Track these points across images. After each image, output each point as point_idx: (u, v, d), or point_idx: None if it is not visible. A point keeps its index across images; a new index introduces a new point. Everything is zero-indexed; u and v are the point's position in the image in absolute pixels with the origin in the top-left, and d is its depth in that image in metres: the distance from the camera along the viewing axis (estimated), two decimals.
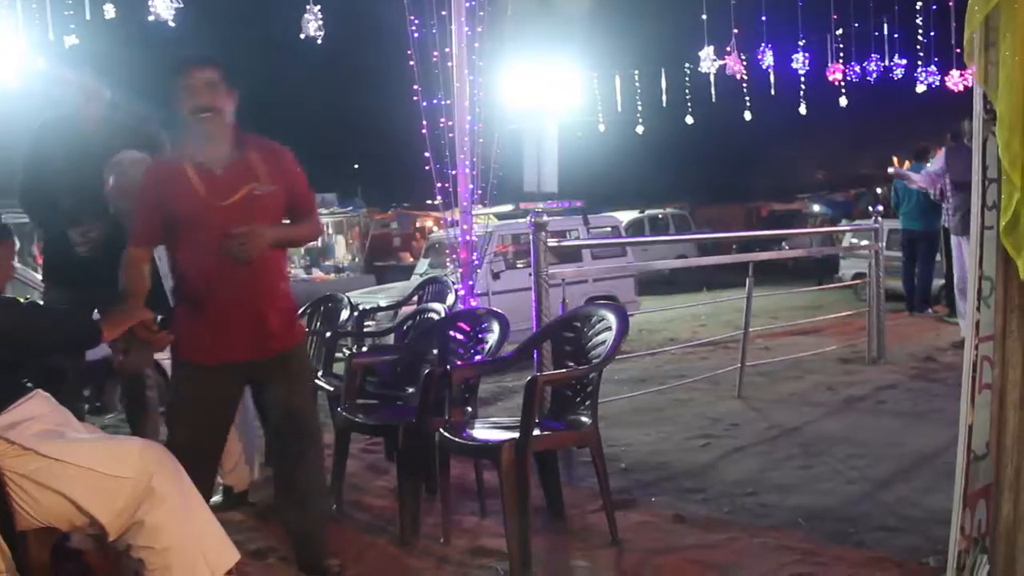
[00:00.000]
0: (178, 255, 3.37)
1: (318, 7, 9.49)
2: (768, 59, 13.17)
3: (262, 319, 3.35)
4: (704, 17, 11.89)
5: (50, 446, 2.76)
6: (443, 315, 5.09)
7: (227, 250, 3.17)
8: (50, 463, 2.72)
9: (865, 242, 8.17)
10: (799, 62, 13.59)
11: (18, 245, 21.11)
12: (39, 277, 10.61)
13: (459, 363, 4.34)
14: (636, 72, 16.48)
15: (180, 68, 3.23)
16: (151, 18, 9.04)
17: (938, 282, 10.51)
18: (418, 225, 27.08)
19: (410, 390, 4.69)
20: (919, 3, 13.55)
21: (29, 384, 3.00)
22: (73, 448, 2.79)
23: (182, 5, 9.05)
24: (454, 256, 7.25)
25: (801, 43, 13.67)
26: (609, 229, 13.57)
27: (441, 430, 3.81)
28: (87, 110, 4.30)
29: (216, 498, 4.15)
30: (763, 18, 13.01)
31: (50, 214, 4.27)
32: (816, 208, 28.89)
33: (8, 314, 2.85)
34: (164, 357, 3.77)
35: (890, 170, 11.10)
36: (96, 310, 3.34)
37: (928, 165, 9.44)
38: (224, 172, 3.25)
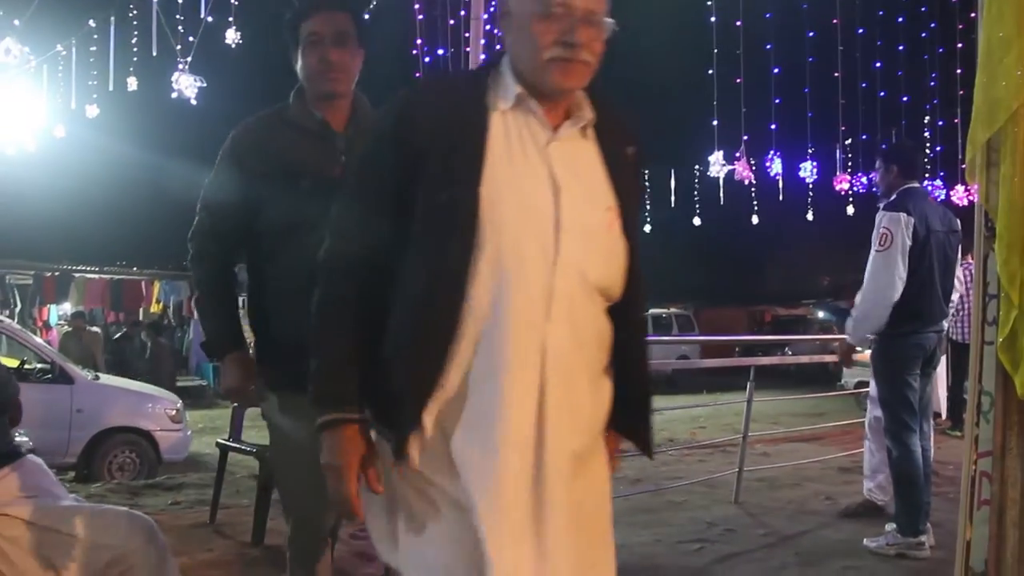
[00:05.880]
0: None
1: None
2: (776, 166, 13.37)
3: None
4: (715, 123, 12.11)
5: (39, 512, 2.74)
6: None
7: None
8: (37, 529, 2.70)
9: (868, 351, 8.09)
10: (807, 171, 13.79)
11: (19, 306, 20.99)
12: (37, 340, 10.60)
13: None
14: (646, 172, 16.73)
15: None
16: (174, 95, 9.24)
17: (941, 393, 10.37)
18: None
19: None
20: (927, 118, 13.83)
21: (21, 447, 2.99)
22: (61, 514, 2.78)
23: (206, 84, 9.27)
24: None
25: (810, 151, 13.89)
26: None
27: None
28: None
29: None
30: (773, 127, 13.25)
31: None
32: (820, 314, 28.88)
33: None
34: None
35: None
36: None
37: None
38: None
